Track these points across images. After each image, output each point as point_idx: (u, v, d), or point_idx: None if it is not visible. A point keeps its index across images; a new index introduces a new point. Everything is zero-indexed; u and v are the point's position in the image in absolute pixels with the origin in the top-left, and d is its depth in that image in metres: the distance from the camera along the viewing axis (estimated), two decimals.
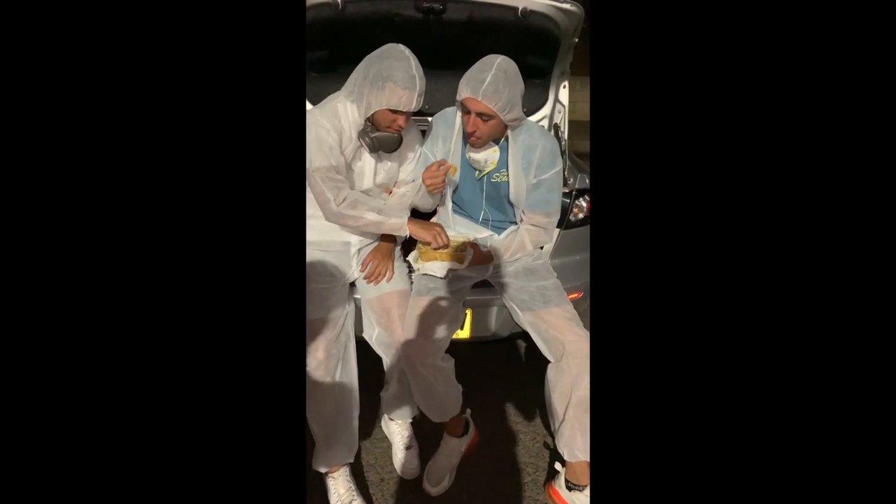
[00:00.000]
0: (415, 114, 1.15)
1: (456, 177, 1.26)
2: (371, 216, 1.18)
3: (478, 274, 1.31)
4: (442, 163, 1.17)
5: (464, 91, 1.11)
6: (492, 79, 1.08)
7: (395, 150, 1.22)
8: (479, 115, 1.11)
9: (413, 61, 1.10)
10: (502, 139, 1.23)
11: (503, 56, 1.13)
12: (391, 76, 1.07)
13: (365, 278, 1.26)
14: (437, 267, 1.24)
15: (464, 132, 1.22)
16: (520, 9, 1.38)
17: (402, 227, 1.21)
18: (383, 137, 1.17)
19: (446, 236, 1.22)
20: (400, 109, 1.10)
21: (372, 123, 1.16)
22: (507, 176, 1.25)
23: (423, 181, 1.18)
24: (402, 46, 1.12)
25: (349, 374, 1.23)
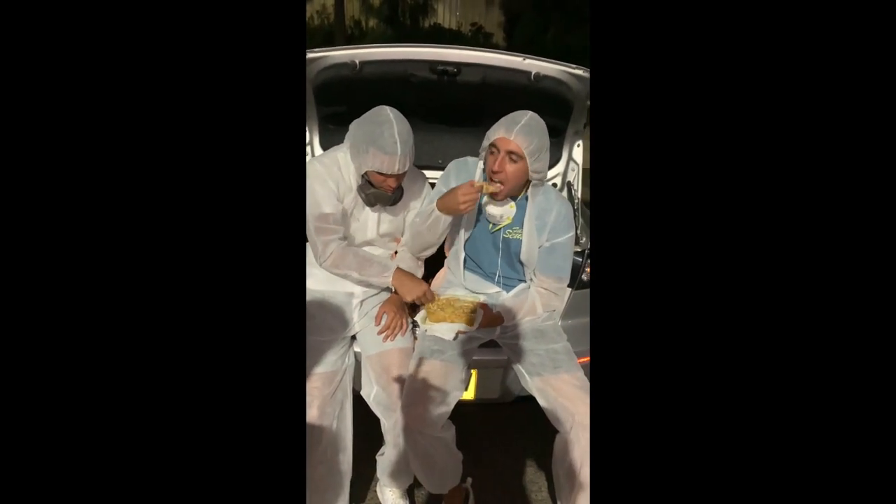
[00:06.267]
0: (427, 167, 1.15)
1: (485, 197, 1.22)
2: (353, 275, 1.21)
3: (485, 334, 1.27)
4: (473, 183, 1.13)
5: (497, 132, 1.15)
6: (526, 122, 1.13)
7: (394, 204, 1.23)
8: (510, 153, 1.14)
9: (396, 125, 1.09)
10: (521, 195, 1.23)
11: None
12: (374, 141, 1.09)
13: (380, 332, 1.20)
14: (446, 329, 1.18)
15: None
16: (532, 73, 1.41)
17: (386, 283, 1.22)
18: (378, 194, 1.18)
19: (433, 294, 1.23)
20: (384, 173, 1.12)
21: (367, 180, 1.18)
22: (521, 234, 1.24)
23: (458, 200, 1.11)
24: (387, 109, 1.12)
25: (343, 436, 1.16)
